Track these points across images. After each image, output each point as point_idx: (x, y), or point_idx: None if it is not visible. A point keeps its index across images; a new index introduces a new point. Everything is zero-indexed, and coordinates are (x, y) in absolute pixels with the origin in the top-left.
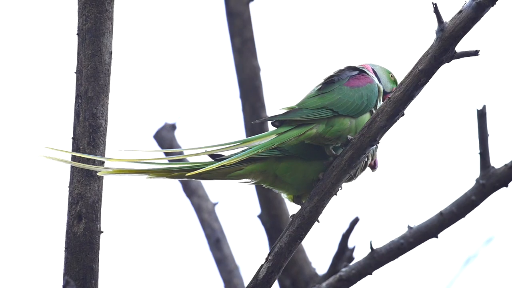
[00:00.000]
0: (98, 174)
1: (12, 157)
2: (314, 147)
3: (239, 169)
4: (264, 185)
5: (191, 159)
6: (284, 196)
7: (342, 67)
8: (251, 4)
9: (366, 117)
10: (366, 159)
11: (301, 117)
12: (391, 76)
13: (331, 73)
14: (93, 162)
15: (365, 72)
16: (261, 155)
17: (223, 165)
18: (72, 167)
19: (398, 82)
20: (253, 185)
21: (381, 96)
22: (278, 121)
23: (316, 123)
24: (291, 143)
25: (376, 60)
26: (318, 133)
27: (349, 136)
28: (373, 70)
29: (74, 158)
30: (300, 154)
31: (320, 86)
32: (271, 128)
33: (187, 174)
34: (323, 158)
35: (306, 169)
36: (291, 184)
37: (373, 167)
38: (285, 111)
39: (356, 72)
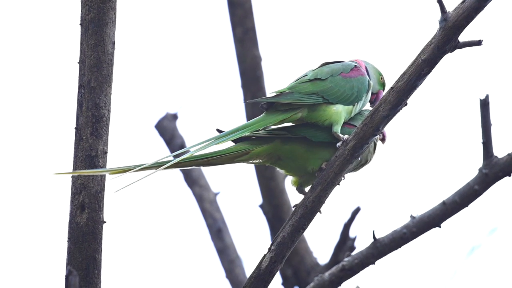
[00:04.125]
0: (110, 174)
1: (15, 148)
2: (323, 129)
3: (245, 153)
4: (266, 164)
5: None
6: (282, 171)
7: (338, 61)
8: None
9: (354, 107)
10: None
11: (291, 101)
12: (381, 78)
13: (327, 61)
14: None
15: (359, 66)
16: (269, 134)
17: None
18: (75, 156)
19: (402, 72)
20: (255, 166)
21: (370, 92)
22: (268, 103)
23: (303, 107)
24: (277, 125)
25: (379, 51)
26: (302, 117)
27: (338, 144)
28: (365, 67)
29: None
30: (308, 135)
31: (315, 71)
32: None
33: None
34: (330, 141)
35: (308, 156)
36: (291, 166)
37: (383, 139)
38: (276, 94)
39: (352, 66)
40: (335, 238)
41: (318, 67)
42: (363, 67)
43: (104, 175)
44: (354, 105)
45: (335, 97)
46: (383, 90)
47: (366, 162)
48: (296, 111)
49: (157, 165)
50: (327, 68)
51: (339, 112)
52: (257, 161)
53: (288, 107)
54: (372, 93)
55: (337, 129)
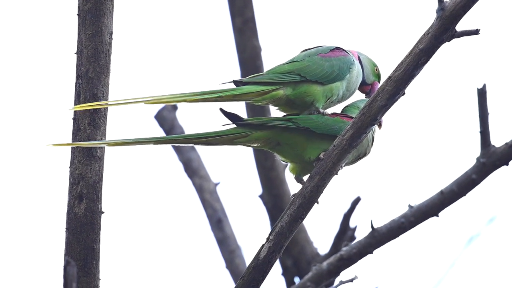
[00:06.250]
0: (107, 146)
1: (13, 139)
2: (326, 122)
3: (245, 135)
4: (264, 149)
5: None
6: (279, 158)
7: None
8: None
9: (337, 85)
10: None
11: (266, 79)
12: (376, 69)
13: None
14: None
15: (342, 48)
16: (272, 123)
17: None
18: (72, 147)
19: (399, 62)
20: (255, 156)
21: (358, 76)
22: (242, 82)
23: (283, 85)
24: (259, 101)
25: (377, 40)
26: (285, 95)
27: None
28: (358, 57)
29: (75, 140)
30: (311, 127)
31: (292, 57)
32: None
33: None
34: (334, 134)
35: (307, 145)
36: (289, 153)
37: (379, 125)
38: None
39: (332, 47)
40: (335, 228)
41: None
42: (355, 56)
43: (102, 165)
44: (337, 83)
45: (313, 74)
46: (379, 82)
47: (364, 154)
48: (275, 86)
49: (155, 140)
50: (304, 52)
51: (321, 89)
52: (256, 144)
53: (265, 84)
54: (367, 84)
55: (319, 105)
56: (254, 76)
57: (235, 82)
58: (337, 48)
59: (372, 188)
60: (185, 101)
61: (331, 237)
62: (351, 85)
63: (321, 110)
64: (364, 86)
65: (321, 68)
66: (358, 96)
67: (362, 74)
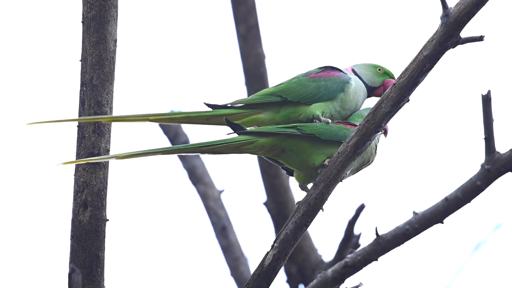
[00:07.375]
0: (116, 159)
1: (17, 146)
2: (330, 128)
3: (251, 142)
4: (269, 155)
5: None
6: (285, 166)
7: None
8: None
9: (327, 104)
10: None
11: (245, 102)
12: (379, 70)
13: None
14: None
15: (337, 68)
16: (277, 131)
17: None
18: (77, 154)
19: (404, 68)
20: (259, 163)
21: (358, 93)
22: (219, 106)
23: (264, 109)
24: (237, 120)
25: (381, 47)
26: (268, 119)
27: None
28: (353, 70)
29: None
30: (317, 133)
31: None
32: None
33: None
34: (338, 140)
35: (312, 151)
36: (294, 160)
37: (385, 132)
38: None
39: (323, 68)
40: (340, 235)
41: None
42: (350, 72)
43: (107, 173)
44: (326, 102)
45: (295, 95)
46: (393, 78)
47: (368, 162)
48: (255, 109)
49: (163, 150)
50: (294, 75)
51: (308, 107)
52: (261, 152)
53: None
54: (376, 88)
55: (319, 115)
56: (237, 100)
57: (213, 106)
58: (332, 68)
59: (377, 195)
60: (148, 120)
61: (336, 244)
62: (348, 103)
63: (323, 119)
64: (376, 91)
65: (305, 89)
66: (365, 105)
67: (364, 84)
